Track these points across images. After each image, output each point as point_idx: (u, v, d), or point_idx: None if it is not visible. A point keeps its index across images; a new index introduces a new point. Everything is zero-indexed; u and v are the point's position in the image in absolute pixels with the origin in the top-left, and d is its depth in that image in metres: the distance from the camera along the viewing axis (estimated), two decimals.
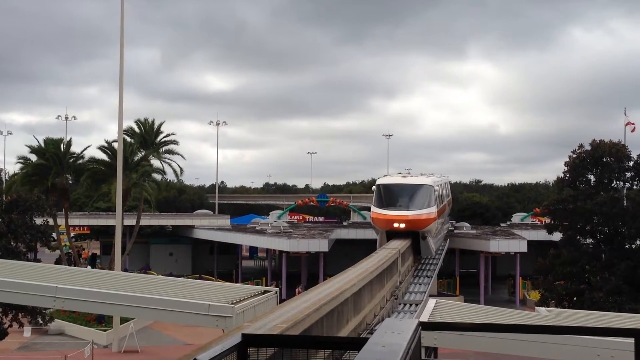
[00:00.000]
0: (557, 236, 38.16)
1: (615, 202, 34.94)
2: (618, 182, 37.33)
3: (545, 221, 44.76)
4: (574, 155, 36.81)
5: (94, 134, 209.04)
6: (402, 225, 30.59)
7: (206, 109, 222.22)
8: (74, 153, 53.97)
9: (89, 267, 52.14)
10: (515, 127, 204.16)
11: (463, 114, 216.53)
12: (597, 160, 36.46)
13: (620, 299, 32.47)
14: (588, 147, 36.73)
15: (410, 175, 37.06)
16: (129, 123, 56.50)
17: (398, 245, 26.53)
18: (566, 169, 37.23)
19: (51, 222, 44.70)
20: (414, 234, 31.05)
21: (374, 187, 33.79)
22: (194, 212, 75.19)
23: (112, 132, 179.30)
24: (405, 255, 27.72)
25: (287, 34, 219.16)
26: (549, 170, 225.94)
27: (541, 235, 47.27)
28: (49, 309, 30.61)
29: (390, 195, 32.45)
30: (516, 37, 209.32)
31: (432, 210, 31.94)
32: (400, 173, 39.82)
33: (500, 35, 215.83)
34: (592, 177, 37.22)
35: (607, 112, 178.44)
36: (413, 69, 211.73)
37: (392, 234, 30.75)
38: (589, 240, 36.47)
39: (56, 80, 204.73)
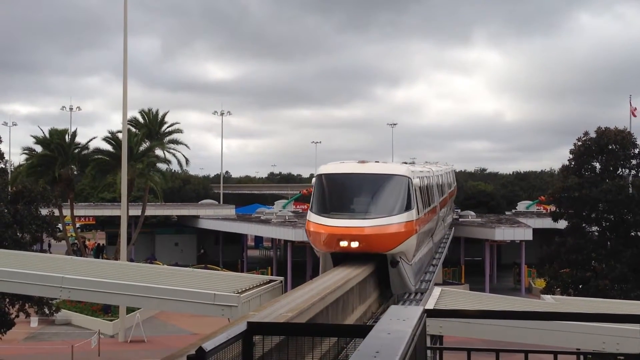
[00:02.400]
0: (562, 224, 38.06)
1: (620, 189, 34.81)
2: (623, 170, 37.18)
3: (550, 209, 44.69)
4: (579, 143, 36.66)
5: (97, 124, 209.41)
6: (355, 244, 18.22)
7: (208, 98, 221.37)
8: (79, 144, 54.02)
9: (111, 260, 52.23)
10: (521, 114, 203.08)
11: (468, 101, 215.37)
12: (603, 148, 36.31)
13: (626, 286, 32.44)
14: (593, 135, 36.58)
15: (378, 162, 22.48)
16: (131, 113, 56.52)
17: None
18: (571, 156, 37.10)
19: (57, 212, 44.89)
20: (380, 256, 18.92)
21: (313, 180, 21.70)
22: (199, 202, 75.17)
23: (115, 122, 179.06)
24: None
25: (289, 21, 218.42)
26: (554, 158, 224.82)
27: (546, 223, 47.19)
28: (56, 299, 30.75)
29: (338, 193, 20.28)
30: (522, 23, 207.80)
31: (409, 218, 19.55)
32: (360, 161, 21.81)
33: (506, 22, 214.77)
34: (597, 165, 37.07)
35: (613, 99, 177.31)
36: (417, 56, 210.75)
37: (341, 257, 18.59)
38: (594, 228, 36.38)
39: (57, 70, 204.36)
